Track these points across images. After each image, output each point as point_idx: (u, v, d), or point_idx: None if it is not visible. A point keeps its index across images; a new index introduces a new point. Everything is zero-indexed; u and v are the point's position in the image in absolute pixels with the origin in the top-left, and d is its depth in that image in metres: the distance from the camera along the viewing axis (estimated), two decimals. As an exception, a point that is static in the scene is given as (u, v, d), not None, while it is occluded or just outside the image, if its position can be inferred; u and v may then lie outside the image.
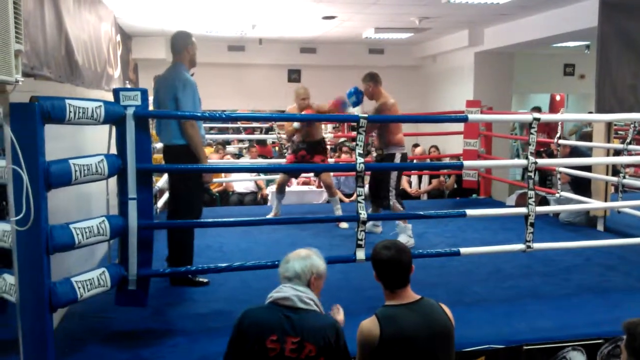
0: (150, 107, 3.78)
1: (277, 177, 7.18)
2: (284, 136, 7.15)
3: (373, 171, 5.32)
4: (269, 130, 9.28)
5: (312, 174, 7.40)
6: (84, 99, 2.98)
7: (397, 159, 5.20)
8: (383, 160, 5.27)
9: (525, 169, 4.02)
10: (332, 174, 6.32)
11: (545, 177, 7.52)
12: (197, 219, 4.08)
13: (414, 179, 8.71)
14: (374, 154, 7.04)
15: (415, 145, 9.73)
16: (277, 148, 10.27)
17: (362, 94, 5.27)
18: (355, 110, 5.42)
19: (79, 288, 2.85)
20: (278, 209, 6.19)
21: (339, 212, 5.94)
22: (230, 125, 10.90)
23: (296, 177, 7.41)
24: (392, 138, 5.21)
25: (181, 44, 4.10)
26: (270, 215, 6.07)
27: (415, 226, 5.70)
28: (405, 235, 5.13)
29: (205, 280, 4.12)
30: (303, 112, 5.72)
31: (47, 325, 2.70)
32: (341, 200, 7.58)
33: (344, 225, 5.73)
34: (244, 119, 6.05)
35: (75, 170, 2.82)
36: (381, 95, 5.28)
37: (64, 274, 2.98)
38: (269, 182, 8.20)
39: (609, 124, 5.61)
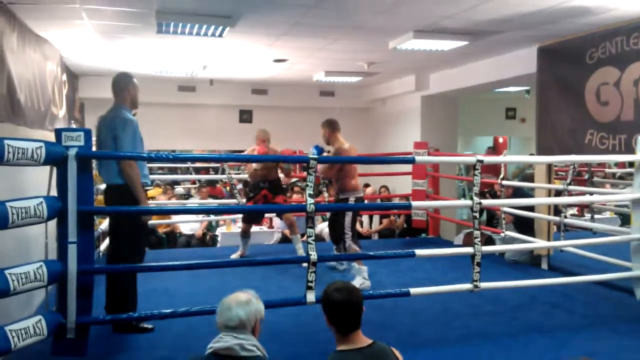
0: (94, 148, 3.70)
1: (227, 217, 7.15)
2: (235, 177, 7.15)
3: (330, 214, 5.43)
4: (218, 171, 9.23)
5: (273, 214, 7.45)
6: (24, 139, 2.89)
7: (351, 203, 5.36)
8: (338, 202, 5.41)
9: (470, 209, 4.10)
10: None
11: (493, 217, 7.70)
12: (139, 262, 3.94)
13: (365, 218, 8.77)
14: (325, 194, 7.16)
15: (366, 185, 9.82)
16: (227, 188, 10.19)
17: (322, 149, 5.42)
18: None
19: (12, 337, 2.70)
20: (245, 250, 6.37)
21: (300, 251, 6.04)
22: (179, 165, 10.79)
23: (258, 223, 7.41)
24: (347, 183, 5.39)
25: (122, 85, 4.06)
26: (235, 256, 6.25)
27: (367, 266, 5.73)
28: (361, 277, 5.16)
29: (150, 326, 3.97)
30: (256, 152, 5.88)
31: (-24, 379, 2.54)
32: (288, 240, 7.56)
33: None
34: (190, 159, 5.99)
35: (13, 214, 2.71)
36: (336, 141, 5.49)
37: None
38: (217, 224, 8.09)
39: (549, 166, 5.82)
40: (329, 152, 5.62)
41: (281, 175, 6.25)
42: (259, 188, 6.12)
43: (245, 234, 6.43)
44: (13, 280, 2.70)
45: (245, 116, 10.73)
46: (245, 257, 6.28)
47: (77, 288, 3.06)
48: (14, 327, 2.73)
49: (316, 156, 5.32)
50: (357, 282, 5.12)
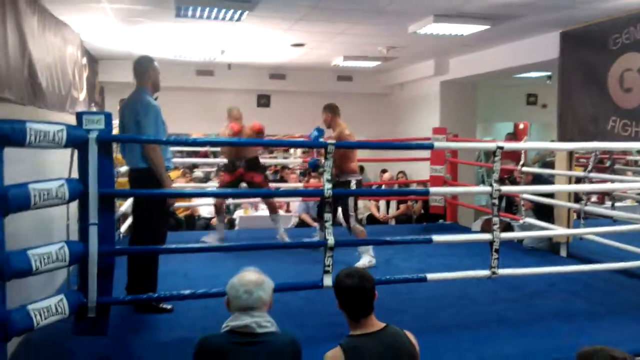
0: (115, 131, 3.73)
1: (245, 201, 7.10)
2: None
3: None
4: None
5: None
6: (46, 122, 2.92)
7: (353, 185, 5.36)
8: (338, 186, 5.33)
9: (489, 196, 4.07)
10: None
11: (512, 203, 7.65)
12: (161, 244, 3.99)
13: (382, 204, 8.76)
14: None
15: (384, 171, 9.81)
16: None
17: (323, 131, 5.47)
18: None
19: (35, 316, 2.75)
20: (222, 233, 6.18)
21: (281, 230, 6.10)
22: (198, 148, 10.85)
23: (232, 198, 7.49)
24: (347, 166, 5.39)
25: (143, 68, 4.09)
26: (210, 239, 6.08)
27: (383, 251, 5.74)
28: (368, 255, 5.26)
29: (169, 306, 4.02)
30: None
31: (1, 354, 2.59)
32: (309, 224, 7.59)
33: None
34: (209, 144, 6.00)
35: (35, 195, 2.74)
36: (338, 125, 5.51)
37: (22, 300, 2.88)
38: (236, 207, 8.14)
39: (570, 153, 5.75)
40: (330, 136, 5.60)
41: (297, 160, 6.21)
42: (235, 166, 6.03)
43: (219, 211, 6.25)
44: (35, 260, 2.75)
45: (263, 100, 10.72)
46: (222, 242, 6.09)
47: (97, 269, 3.11)
48: (36, 306, 2.78)
49: (318, 135, 5.40)
50: (365, 261, 5.22)
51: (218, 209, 6.29)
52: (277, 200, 7.66)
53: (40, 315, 2.76)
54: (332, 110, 5.55)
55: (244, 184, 6.17)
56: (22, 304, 2.76)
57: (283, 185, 8.70)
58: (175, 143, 3.68)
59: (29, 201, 2.74)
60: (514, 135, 10.60)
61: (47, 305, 2.82)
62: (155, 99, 4.04)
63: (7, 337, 2.64)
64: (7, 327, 2.60)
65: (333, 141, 3.77)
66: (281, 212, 7.86)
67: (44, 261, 2.80)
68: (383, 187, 9.03)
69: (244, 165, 6.01)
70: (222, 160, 6.55)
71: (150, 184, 3.81)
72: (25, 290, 3.32)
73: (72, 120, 3.47)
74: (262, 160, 6.66)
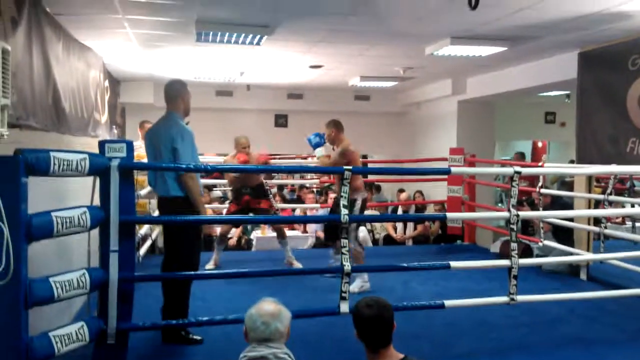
0: (145, 159, 3.72)
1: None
2: (270, 182, 7.17)
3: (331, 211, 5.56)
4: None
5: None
6: (69, 150, 3.00)
7: (359, 203, 5.33)
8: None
9: (507, 221, 4.05)
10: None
11: (527, 225, 7.58)
12: (196, 270, 3.95)
13: (400, 224, 8.74)
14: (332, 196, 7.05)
15: (401, 191, 9.79)
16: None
17: (324, 136, 5.53)
18: (317, 152, 5.70)
19: (56, 343, 2.79)
20: (218, 259, 6.20)
21: (289, 255, 6.13)
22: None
23: (237, 227, 7.68)
24: (353, 184, 5.23)
25: (176, 92, 4.01)
26: (210, 265, 6.09)
27: (400, 274, 5.72)
28: (360, 280, 5.23)
29: (199, 337, 3.92)
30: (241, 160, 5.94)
31: (22, 382, 2.63)
32: (325, 244, 7.59)
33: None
34: (229, 171, 6.05)
35: (57, 223, 2.80)
36: (342, 141, 5.52)
37: (41, 326, 2.92)
38: (253, 228, 8.18)
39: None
40: (333, 149, 5.63)
41: (314, 180, 6.24)
42: (241, 194, 6.09)
43: (222, 240, 6.34)
44: (57, 288, 2.79)
45: (281, 120, 10.81)
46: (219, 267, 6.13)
47: (117, 295, 3.15)
48: (57, 333, 2.82)
49: (319, 142, 5.42)
50: (357, 285, 5.18)
51: (221, 237, 6.35)
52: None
53: (61, 342, 2.80)
54: (336, 126, 5.57)
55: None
56: (43, 330, 2.81)
57: (300, 206, 8.72)
58: (193, 170, 3.69)
59: (52, 229, 2.80)
60: (523, 155, 10.53)
61: (68, 332, 2.87)
62: (187, 123, 3.99)
63: (29, 364, 2.68)
64: (29, 354, 2.64)
65: (350, 167, 3.78)
66: (298, 232, 7.89)
67: (65, 288, 2.85)
68: (400, 207, 9.01)
69: (250, 192, 6.09)
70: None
71: (185, 211, 3.74)
72: (44, 315, 3.37)
73: (94, 143, 3.54)
74: (278, 181, 6.72)
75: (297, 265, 6.04)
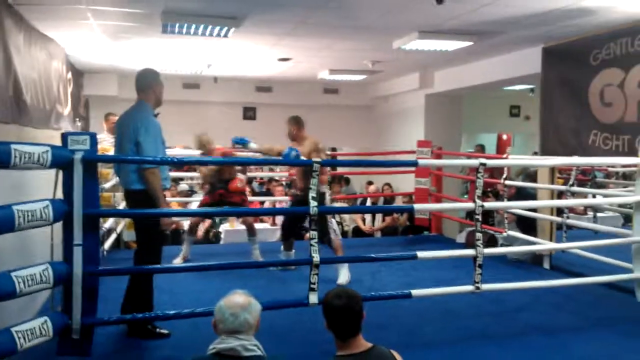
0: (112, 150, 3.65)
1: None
2: (239, 175, 7.11)
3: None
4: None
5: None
6: (31, 143, 2.92)
7: (327, 196, 5.41)
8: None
9: (473, 212, 4.12)
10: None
11: (489, 215, 7.71)
12: (156, 263, 3.89)
13: (368, 216, 8.80)
14: (292, 192, 6.91)
15: (370, 183, 9.85)
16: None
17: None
18: (251, 146, 5.68)
19: (19, 338, 2.74)
20: (187, 252, 6.14)
21: (257, 252, 6.05)
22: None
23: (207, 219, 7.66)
24: (322, 178, 5.23)
25: (147, 82, 3.92)
26: (178, 259, 6.02)
27: (369, 265, 5.78)
28: (345, 270, 5.29)
29: (166, 331, 3.87)
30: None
31: (-17, 380, 2.58)
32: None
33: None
34: (196, 163, 5.99)
35: (19, 217, 2.74)
36: (306, 138, 5.50)
37: (3, 321, 2.86)
38: (222, 220, 8.12)
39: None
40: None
41: (241, 176, 6.16)
42: (216, 188, 6.04)
43: (192, 232, 6.28)
44: (19, 283, 2.74)
45: (249, 113, 10.76)
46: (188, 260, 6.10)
47: (82, 289, 3.10)
48: (20, 328, 2.77)
49: (246, 139, 5.42)
50: (344, 276, 5.24)
51: (191, 229, 6.29)
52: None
53: (24, 338, 2.74)
54: (297, 123, 5.56)
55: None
56: (5, 326, 2.75)
57: (269, 198, 8.70)
58: (161, 163, 3.65)
59: (13, 223, 2.73)
60: (483, 148, 10.74)
61: (31, 327, 2.81)
62: (156, 115, 3.91)
63: (-10, 361, 2.63)
64: (-10, 351, 2.59)
65: (319, 159, 3.79)
66: (267, 225, 7.88)
67: (27, 283, 2.79)
68: (368, 199, 9.07)
69: (224, 187, 6.01)
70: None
71: (146, 205, 3.70)
72: (7, 311, 3.30)
73: (56, 135, 3.46)
74: (248, 173, 6.66)
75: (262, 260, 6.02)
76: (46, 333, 2.90)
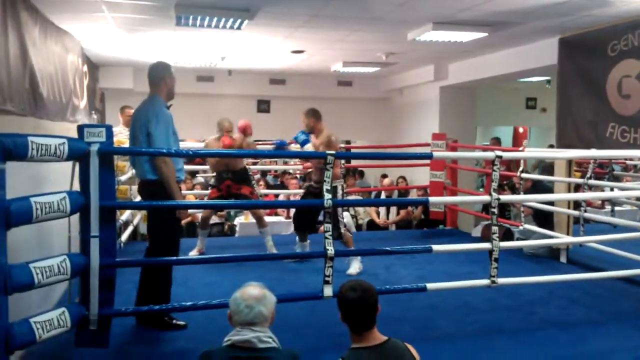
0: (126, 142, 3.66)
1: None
2: (253, 167, 7.13)
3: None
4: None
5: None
6: (48, 135, 2.93)
7: (339, 190, 5.40)
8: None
9: (489, 205, 4.09)
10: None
11: (505, 209, 7.66)
12: (174, 255, 3.91)
13: (382, 209, 8.77)
14: (307, 184, 6.87)
15: (384, 176, 9.82)
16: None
17: (308, 134, 5.52)
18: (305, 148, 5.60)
19: (37, 329, 2.76)
20: (202, 245, 6.13)
21: (270, 244, 6.00)
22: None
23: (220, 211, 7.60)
24: (335, 172, 5.27)
25: (159, 75, 3.95)
26: (194, 252, 6.03)
27: (383, 258, 5.78)
28: (357, 262, 5.36)
29: (183, 322, 3.89)
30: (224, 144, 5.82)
31: (3, 369, 2.61)
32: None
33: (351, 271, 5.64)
34: (211, 156, 5.98)
35: (37, 209, 2.76)
36: (322, 130, 5.55)
37: (22, 312, 2.89)
38: (236, 214, 8.15)
39: (569, 159, 5.76)
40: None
41: (297, 166, 6.10)
42: (222, 178, 5.96)
43: (204, 225, 6.24)
44: (37, 274, 2.76)
45: (263, 106, 10.76)
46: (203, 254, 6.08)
47: (99, 281, 3.12)
48: (38, 319, 2.79)
49: (306, 139, 5.43)
50: (356, 267, 5.34)
51: (204, 222, 6.26)
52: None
53: (43, 329, 2.77)
54: (314, 116, 5.57)
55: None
56: (24, 317, 2.78)
57: (283, 192, 8.71)
58: (175, 155, 3.67)
59: (31, 214, 2.75)
60: (499, 141, 10.63)
61: (49, 318, 2.84)
62: (169, 107, 3.94)
63: (9, 351, 2.65)
64: (9, 341, 2.61)
65: (333, 151, 3.77)
66: (281, 218, 7.88)
67: (45, 274, 2.81)
68: (383, 192, 9.04)
69: (232, 177, 5.92)
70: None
71: (160, 195, 3.72)
72: (26, 302, 3.34)
73: (73, 128, 3.49)
74: (262, 167, 6.62)
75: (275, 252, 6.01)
76: (64, 324, 2.93)
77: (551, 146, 8.31)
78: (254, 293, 2.34)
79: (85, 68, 7.02)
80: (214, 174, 6.19)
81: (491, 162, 4.05)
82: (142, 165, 3.79)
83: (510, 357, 3.56)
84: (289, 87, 10.50)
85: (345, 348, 2.35)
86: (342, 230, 5.32)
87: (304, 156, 5.84)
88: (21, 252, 3.12)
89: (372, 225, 8.75)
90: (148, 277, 3.91)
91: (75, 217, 3.19)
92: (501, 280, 4.04)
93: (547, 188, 6.32)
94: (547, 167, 8.23)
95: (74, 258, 3.03)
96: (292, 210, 8.07)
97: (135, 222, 6.80)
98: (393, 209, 8.68)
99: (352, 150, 10.52)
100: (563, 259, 5.96)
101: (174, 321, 3.90)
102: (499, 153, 4.02)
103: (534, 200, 5.89)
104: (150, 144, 3.71)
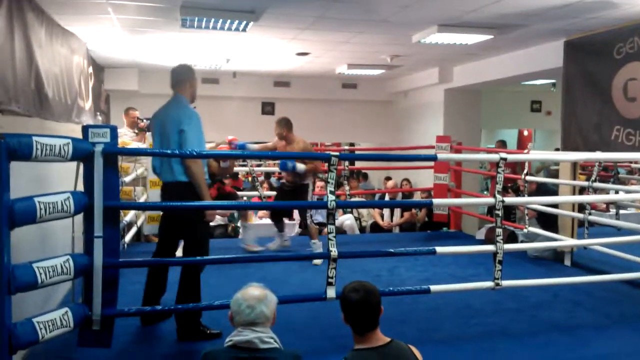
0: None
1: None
2: (257, 169, 7.24)
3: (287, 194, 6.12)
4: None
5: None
6: (52, 136, 2.94)
7: (310, 186, 6.07)
8: (297, 189, 6.01)
9: (493, 208, 4.08)
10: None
11: (510, 211, 7.64)
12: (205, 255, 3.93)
13: (386, 211, 8.77)
14: (347, 187, 7.35)
15: (388, 178, 9.81)
16: (249, 179, 10.30)
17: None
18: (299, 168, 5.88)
19: (40, 329, 2.76)
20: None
21: (249, 240, 6.39)
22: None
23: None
24: (308, 170, 5.86)
25: (184, 77, 3.98)
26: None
27: (387, 260, 5.77)
28: (318, 247, 5.92)
29: (217, 331, 3.72)
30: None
31: (6, 368, 2.62)
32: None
33: (316, 262, 5.74)
34: (215, 157, 5.98)
35: (40, 209, 2.76)
36: (296, 138, 5.94)
37: (25, 312, 2.90)
38: (239, 215, 8.13)
39: (574, 162, 5.74)
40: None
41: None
42: (215, 181, 6.05)
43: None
44: (41, 274, 2.76)
45: (268, 108, 10.76)
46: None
47: (102, 281, 3.13)
48: (41, 319, 2.79)
49: (294, 164, 5.68)
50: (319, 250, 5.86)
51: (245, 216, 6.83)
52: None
53: (45, 329, 2.77)
54: (287, 126, 5.93)
55: None
56: (27, 317, 2.78)
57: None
58: (181, 156, 3.66)
59: (35, 214, 2.76)
60: (504, 144, 10.61)
61: (52, 318, 2.84)
62: (194, 108, 3.94)
63: (13, 351, 2.65)
64: (12, 341, 2.61)
65: (337, 153, 3.77)
66: (286, 220, 7.88)
67: (49, 274, 2.81)
68: (387, 194, 9.04)
69: (220, 179, 6.26)
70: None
71: (189, 197, 3.69)
72: (29, 302, 3.34)
73: (78, 129, 3.50)
74: (265, 168, 6.72)
75: (257, 248, 6.29)
76: (67, 324, 2.93)
77: (557, 149, 8.28)
78: (255, 293, 2.34)
79: (90, 69, 7.04)
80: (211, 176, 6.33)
81: (495, 164, 4.04)
82: (173, 166, 3.75)
83: (514, 361, 3.54)
84: (294, 90, 10.50)
85: (347, 349, 2.34)
86: (308, 221, 6.07)
87: (309, 157, 5.88)
88: (25, 252, 3.12)
89: (375, 227, 8.74)
90: (183, 281, 3.82)
91: (79, 218, 3.20)
92: (505, 283, 4.02)
93: (551, 191, 6.30)
94: (551, 173, 8.19)
95: (77, 258, 3.04)
96: (295, 213, 8.11)
97: (139, 223, 6.81)
98: (397, 211, 8.68)
99: (356, 153, 10.49)
100: (567, 262, 5.94)
101: (209, 331, 3.77)
102: (503, 155, 4.01)
103: (538, 202, 5.86)
104: (182, 144, 3.68)
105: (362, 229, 8.76)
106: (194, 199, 3.71)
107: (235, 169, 8.52)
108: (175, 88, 3.96)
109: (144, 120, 6.81)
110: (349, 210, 8.70)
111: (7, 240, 2.59)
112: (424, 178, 8.74)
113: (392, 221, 8.69)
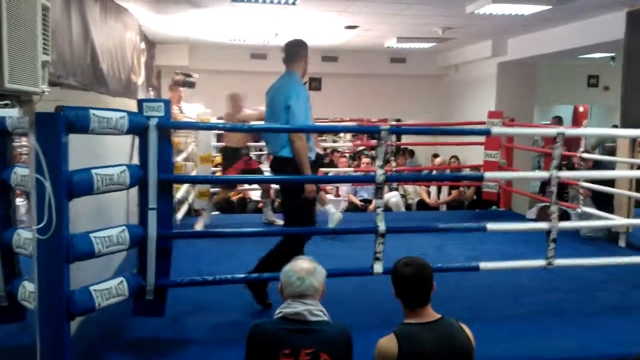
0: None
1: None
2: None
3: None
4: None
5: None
6: (108, 109, 3.01)
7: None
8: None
9: (545, 183, 3.96)
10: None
11: (563, 191, 7.40)
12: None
13: (433, 189, 8.66)
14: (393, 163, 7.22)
15: (435, 155, 9.67)
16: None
17: None
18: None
19: (97, 297, 2.86)
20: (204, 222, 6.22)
21: (268, 214, 6.53)
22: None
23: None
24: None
25: (298, 53, 3.99)
26: (198, 226, 6.12)
27: (435, 238, 5.71)
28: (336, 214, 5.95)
29: (269, 302, 3.85)
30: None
31: (65, 333, 2.73)
32: (357, 208, 7.64)
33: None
34: (262, 130, 6.00)
35: (97, 180, 2.85)
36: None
37: (82, 280, 3.01)
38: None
39: (633, 139, 5.51)
40: None
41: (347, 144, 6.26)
42: (240, 155, 6.10)
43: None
44: (97, 243, 2.86)
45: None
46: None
47: (156, 252, 3.21)
48: (98, 288, 2.89)
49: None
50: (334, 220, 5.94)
51: (217, 202, 6.74)
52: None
53: (102, 297, 2.87)
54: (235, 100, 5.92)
55: None
56: (84, 285, 2.89)
57: (333, 169, 8.70)
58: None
59: (92, 186, 2.84)
60: (560, 120, 10.23)
61: (108, 287, 2.94)
62: (305, 84, 3.97)
63: (71, 317, 2.77)
64: (70, 308, 2.72)
65: (386, 127, 3.70)
66: (331, 196, 7.89)
67: (105, 244, 2.91)
68: (434, 172, 8.91)
69: (247, 152, 6.26)
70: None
71: (290, 172, 3.79)
72: (86, 271, 3.46)
73: (131, 104, 3.56)
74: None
75: (279, 222, 6.12)
76: (122, 293, 3.03)
77: (615, 127, 7.96)
78: (305, 266, 2.36)
79: (143, 45, 7.16)
80: (230, 150, 6.23)
81: (552, 139, 3.91)
82: (278, 140, 3.83)
83: (567, 341, 3.46)
84: (341, 65, 10.38)
85: (395, 325, 2.34)
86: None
87: (358, 131, 5.85)
88: (82, 222, 3.23)
89: (422, 205, 8.65)
90: (281, 247, 3.88)
91: (133, 191, 3.28)
92: (558, 262, 3.92)
93: (609, 169, 6.07)
94: (607, 149, 7.87)
95: (132, 229, 3.12)
96: (341, 188, 8.11)
97: (190, 199, 6.95)
98: (444, 189, 8.55)
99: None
100: (622, 243, 5.74)
101: (267, 299, 3.86)
102: (560, 130, 3.87)
103: (594, 177, 5.65)
104: (289, 119, 3.74)
105: (408, 207, 8.68)
106: (294, 173, 3.78)
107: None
108: (288, 63, 3.98)
109: (180, 75, 6.81)
110: (395, 187, 8.63)
111: (66, 211, 2.68)
112: (473, 155, 8.57)
113: (439, 199, 8.58)
